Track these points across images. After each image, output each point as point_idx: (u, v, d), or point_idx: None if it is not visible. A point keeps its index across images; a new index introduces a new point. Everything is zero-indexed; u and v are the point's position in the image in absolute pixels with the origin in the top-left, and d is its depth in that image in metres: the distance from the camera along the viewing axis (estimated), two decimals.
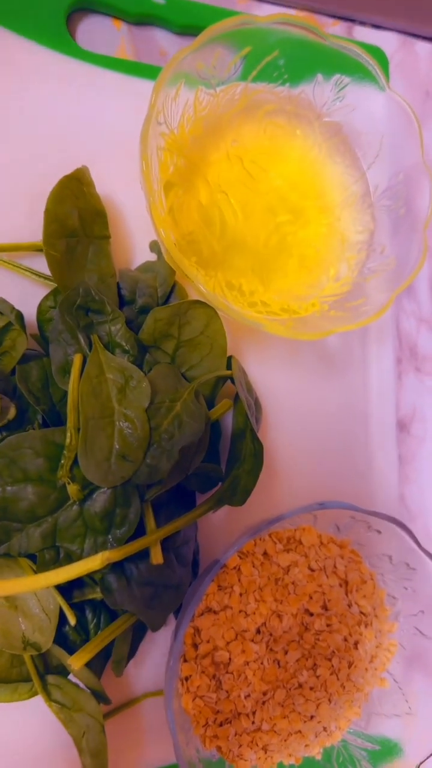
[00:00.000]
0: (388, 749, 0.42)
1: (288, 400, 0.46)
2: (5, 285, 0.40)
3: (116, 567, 0.35)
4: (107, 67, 0.44)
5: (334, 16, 0.52)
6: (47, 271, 0.38)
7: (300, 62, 0.43)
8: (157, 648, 0.42)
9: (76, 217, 0.36)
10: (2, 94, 0.42)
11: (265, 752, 0.40)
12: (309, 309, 0.43)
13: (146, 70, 0.45)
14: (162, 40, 0.47)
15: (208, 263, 0.42)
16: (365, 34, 0.53)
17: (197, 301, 0.38)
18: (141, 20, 0.46)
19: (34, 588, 0.32)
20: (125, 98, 0.44)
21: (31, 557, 0.34)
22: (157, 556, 0.35)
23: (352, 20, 0.53)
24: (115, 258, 0.40)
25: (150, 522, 0.35)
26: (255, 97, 0.44)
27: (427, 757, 0.39)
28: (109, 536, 0.34)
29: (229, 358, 0.40)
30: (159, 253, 0.42)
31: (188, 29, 0.47)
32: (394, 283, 0.42)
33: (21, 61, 0.42)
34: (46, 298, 0.37)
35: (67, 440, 0.32)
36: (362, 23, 0.53)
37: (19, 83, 0.42)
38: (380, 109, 0.44)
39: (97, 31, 0.46)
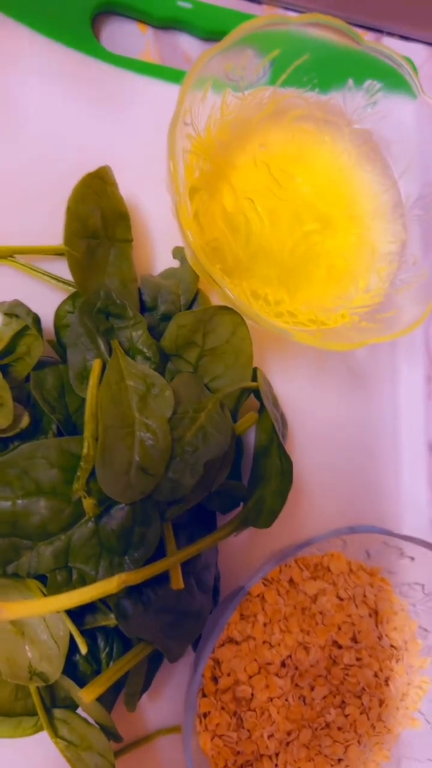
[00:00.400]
0: None
1: (314, 415, 0.43)
2: (22, 289, 0.38)
3: (132, 591, 0.32)
4: (132, 69, 0.43)
5: (362, 27, 0.51)
6: (66, 276, 0.36)
7: (331, 67, 0.42)
8: (172, 680, 0.39)
9: (98, 218, 0.35)
10: (27, 95, 0.41)
11: None
12: (338, 320, 0.41)
13: (171, 74, 0.44)
14: (187, 45, 0.46)
15: (232, 271, 0.40)
16: (394, 45, 0.52)
17: (223, 307, 0.36)
18: (166, 24, 0.45)
19: (44, 612, 0.29)
20: (150, 101, 0.43)
21: (41, 578, 0.32)
22: (177, 581, 0.32)
23: (381, 31, 0.52)
24: (136, 263, 0.38)
25: (170, 543, 0.32)
26: (283, 101, 0.43)
27: None
28: (126, 557, 0.31)
29: (255, 370, 0.38)
30: (182, 260, 0.40)
31: (214, 35, 0.46)
32: (428, 295, 0.40)
33: (46, 62, 0.41)
34: (64, 302, 0.35)
35: (84, 450, 0.30)
36: (390, 34, 0.52)
37: (44, 84, 0.41)
38: (412, 117, 0.43)
39: (122, 34, 0.44)
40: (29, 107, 0.41)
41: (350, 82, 0.42)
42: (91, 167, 0.37)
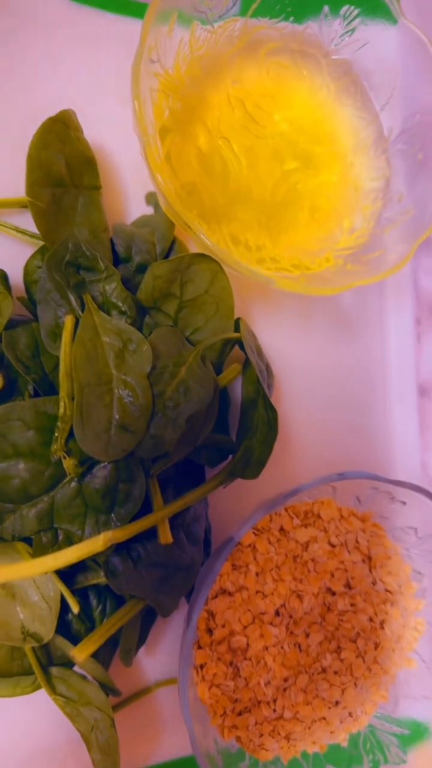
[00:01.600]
0: (418, 733, 0.39)
1: (301, 364, 0.42)
2: None
3: (121, 548, 0.32)
4: (95, 6, 0.40)
5: None
6: (34, 229, 0.34)
7: None
8: (168, 634, 0.39)
9: (62, 164, 0.33)
10: None
11: (288, 741, 0.37)
12: (323, 264, 0.40)
13: (137, 9, 0.41)
14: None
15: (210, 216, 0.38)
16: None
17: (200, 255, 0.34)
18: None
19: (31, 574, 0.29)
20: (115, 40, 0.41)
21: (27, 540, 0.31)
22: (165, 535, 0.32)
23: None
24: (107, 212, 0.36)
25: (157, 498, 0.32)
26: (256, 34, 0.40)
27: None
28: (112, 515, 0.31)
29: (237, 320, 0.37)
30: (156, 206, 0.38)
31: None
32: (414, 233, 0.39)
33: (1, 2, 0.38)
34: (32, 257, 0.34)
35: (61, 410, 0.29)
36: None
37: (0, 25, 0.39)
38: (393, 45, 0.41)
39: None
40: None
41: (326, 9, 0.40)
42: (54, 110, 0.35)
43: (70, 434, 0.30)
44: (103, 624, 0.32)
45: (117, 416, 0.30)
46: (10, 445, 0.29)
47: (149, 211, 0.39)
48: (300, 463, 0.42)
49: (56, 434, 0.29)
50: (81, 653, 0.30)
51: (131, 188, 0.39)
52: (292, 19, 0.40)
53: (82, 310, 0.31)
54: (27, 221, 0.35)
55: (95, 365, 0.30)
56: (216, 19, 0.39)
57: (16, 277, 0.34)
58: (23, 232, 0.35)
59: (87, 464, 0.30)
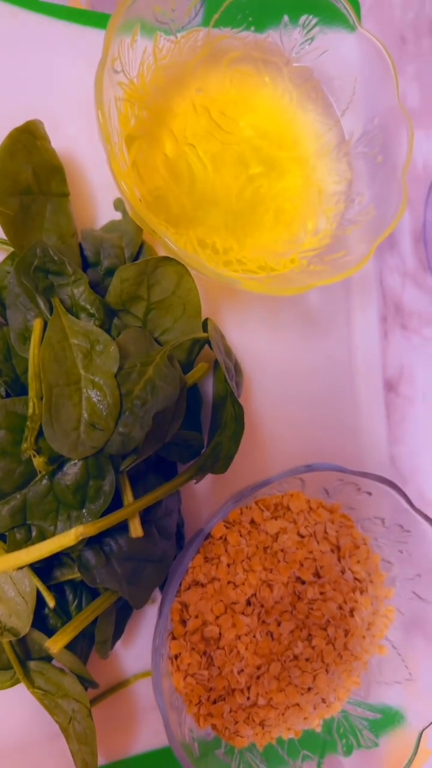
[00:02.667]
0: (390, 717, 0.40)
1: (270, 362, 0.44)
2: None
3: (93, 543, 0.33)
4: (59, 17, 0.41)
5: None
6: (3, 235, 0.35)
7: (265, 3, 0.41)
8: (145, 627, 0.40)
9: (30, 173, 0.34)
10: None
11: (263, 727, 0.38)
12: (288, 265, 0.41)
13: (102, 20, 0.42)
14: None
15: (178, 221, 0.40)
16: None
17: (165, 258, 0.36)
18: None
19: (5, 568, 0.30)
20: (80, 50, 0.42)
21: (1, 537, 0.32)
22: (136, 529, 0.33)
23: None
24: (76, 217, 0.38)
25: (127, 493, 0.33)
26: (219, 43, 0.42)
27: (430, 724, 0.38)
28: (84, 510, 0.32)
29: (205, 321, 0.38)
30: (124, 212, 0.40)
31: None
32: (375, 234, 0.40)
33: None
34: (3, 262, 0.35)
35: (30, 410, 0.30)
36: None
37: None
38: (352, 52, 0.42)
39: None
40: None
41: (285, 18, 0.41)
42: (20, 120, 0.36)
43: (40, 433, 0.31)
44: (78, 616, 0.33)
45: (86, 415, 0.31)
46: None
47: (118, 216, 0.40)
48: (270, 457, 0.43)
49: (26, 433, 0.30)
50: (56, 644, 0.31)
51: (100, 194, 0.41)
52: (253, 28, 0.42)
53: (51, 314, 0.33)
54: None
55: (63, 366, 0.31)
56: (179, 29, 0.40)
57: None
58: None
59: (58, 462, 0.31)
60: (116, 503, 0.33)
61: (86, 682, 0.35)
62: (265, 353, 0.44)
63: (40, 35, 0.41)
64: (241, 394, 0.42)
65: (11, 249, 0.36)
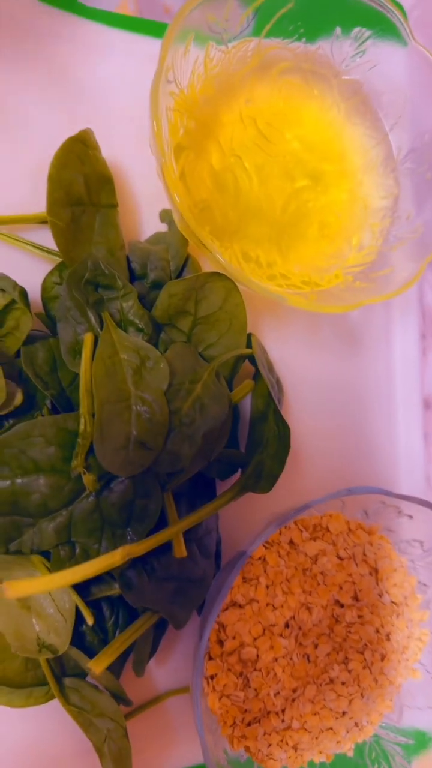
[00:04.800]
0: (422, 742, 0.40)
1: (309, 379, 0.43)
2: (6, 261, 0.37)
3: (136, 562, 0.32)
4: (109, 24, 0.41)
5: None
6: (51, 245, 0.35)
7: (317, 15, 0.40)
8: (178, 644, 0.39)
9: (81, 184, 0.33)
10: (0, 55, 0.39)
11: (296, 751, 0.38)
12: (332, 281, 0.40)
13: (150, 27, 0.42)
14: None
15: (222, 233, 0.39)
16: None
17: (215, 273, 0.35)
18: None
19: (52, 588, 0.29)
20: (128, 57, 0.41)
21: (45, 553, 0.32)
22: (180, 549, 0.32)
23: None
24: (122, 229, 0.37)
25: (172, 513, 0.32)
26: (269, 54, 0.41)
27: None
28: (129, 529, 0.31)
29: (249, 336, 0.38)
30: (170, 223, 0.39)
31: None
32: (423, 252, 0.39)
33: (19, 20, 0.39)
34: (50, 273, 0.35)
35: (81, 427, 0.30)
36: None
37: (18, 43, 0.39)
38: (403, 66, 0.41)
39: None
40: (2, 70, 0.39)
41: (338, 30, 0.41)
42: (71, 128, 0.35)
43: (90, 450, 0.30)
44: (118, 637, 0.32)
45: (135, 432, 0.30)
46: (31, 461, 0.29)
47: (162, 227, 0.40)
48: (307, 476, 0.43)
49: (76, 450, 0.30)
50: (98, 666, 0.31)
51: (145, 205, 0.40)
52: (304, 39, 0.41)
53: (101, 328, 0.32)
54: (43, 237, 0.36)
55: (114, 382, 0.31)
56: (230, 39, 0.39)
57: (33, 292, 0.34)
58: (40, 248, 0.35)
59: (104, 479, 0.31)
60: (159, 522, 0.32)
61: (121, 700, 0.35)
62: (304, 369, 0.43)
63: (88, 41, 0.40)
64: (282, 410, 0.41)
65: (55, 260, 0.36)
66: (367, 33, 0.41)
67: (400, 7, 0.48)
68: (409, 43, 0.40)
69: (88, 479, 0.30)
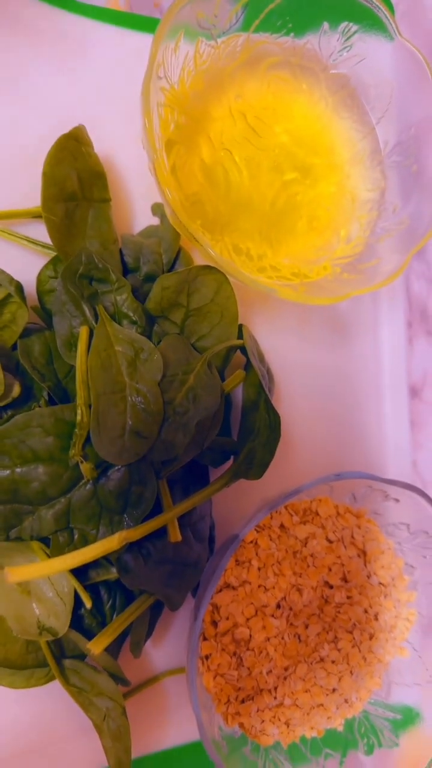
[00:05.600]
0: (410, 717, 0.41)
1: (299, 368, 0.44)
2: (2, 255, 0.37)
3: (132, 546, 0.33)
4: (100, 19, 0.41)
5: None
6: (45, 239, 0.35)
7: (305, 10, 0.41)
8: (174, 625, 0.41)
9: (75, 180, 0.34)
10: None
11: (288, 726, 0.39)
12: (321, 272, 0.41)
13: (141, 22, 0.42)
14: None
15: (213, 226, 0.40)
16: None
17: (206, 267, 0.36)
18: None
19: (52, 572, 0.31)
20: (119, 53, 0.42)
21: (44, 540, 0.33)
22: (175, 534, 0.33)
23: None
24: (115, 223, 0.38)
25: (167, 499, 0.33)
26: (258, 48, 0.42)
27: None
28: (125, 515, 0.32)
29: (240, 327, 0.39)
30: (162, 217, 0.40)
31: None
32: (408, 243, 0.40)
33: (11, 16, 0.39)
34: (45, 267, 0.35)
35: (78, 417, 0.31)
36: None
37: (9, 39, 0.39)
38: (389, 60, 0.42)
39: None
40: None
41: (325, 25, 0.41)
42: (62, 124, 0.36)
43: (87, 439, 0.31)
44: (116, 619, 0.33)
45: (130, 422, 0.31)
46: (31, 451, 0.30)
47: (154, 220, 0.40)
48: (297, 462, 0.44)
49: (74, 440, 0.31)
50: (96, 647, 0.32)
51: (137, 199, 0.41)
52: (292, 34, 0.42)
53: (96, 321, 0.33)
54: (38, 231, 0.37)
55: (109, 374, 0.32)
56: (220, 34, 0.40)
57: (28, 286, 0.35)
58: (35, 242, 0.36)
59: (101, 467, 0.32)
60: (154, 508, 0.34)
61: (119, 680, 0.36)
62: (294, 359, 0.44)
63: (79, 36, 0.41)
64: (272, 399, 0.42)
65: (49, 254, 0.37)
66: (354, 28, 0.41)
67: (387, 2, 0.49)
68: (395, 38, 0.41)
69: (85, 468, 0.31)
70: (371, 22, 0.41)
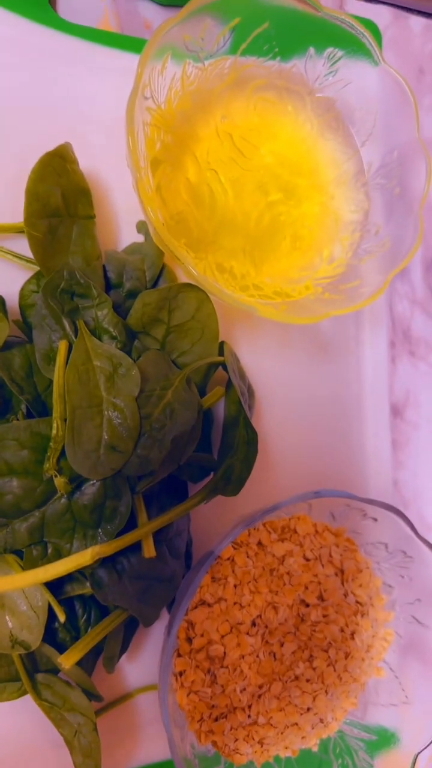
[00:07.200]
0: (385, 739, 0.41)
1: (280, 386, 0.45)
2: None
3: (107, 561, 0.33)
4: (90, 39, 0.42)
5: None
6: (29, 254, 0.36)
7: (291, 35, 0.42)
8: (149, 642, 0.41)
9: (59, 196, 0.35)
10: None
11: (262, 746, 0.39)
12: (303, 292, 0.42)
13: (131, 43, 0.43)
14: (147, 11, 0.45)
15: (198, 245, 0.40)
16: (357, 8, 0.51)
17: (188, 284, 0.36)
18: None
19: (23, 585, 0.31)
20: (109, 72, 0.42)
21: (18, 553, 0.33)
22: (149, 550, 0.33)
23: None
24: (100, 239, 0.38)
25: (142, 514, 0.34)
26: (245, 71, 0.42)
27: (426, 747, 0.39)
28: (99, 530, 0.33)
29: (221, 344, 0.39)
30: (147, 234, 0.40)
31: (174, 0, 0.45)
32: (390, 265, 0.41)
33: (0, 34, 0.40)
34: (28, 282, 0.36)
35: (54, 431, 0.31)
36: None
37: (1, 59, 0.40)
38: (374, 85, 0.43)
39: (80, 2, 0.43)
40: None
41: (311, 50, 0.42)
42: (50, 141, 0.36)
43: (62, 453, 0.31)
44: (89, 633, 0.33)
45: (106, 437, 0.31)
46: (5, 463, 0.31)
47: (139, 237, 0.41)
48: (278, 480, 0.44)
49: (49, 453, 0.31)
50: (68, 660, 0.32)
51: (122, 216, 0.41)
52: (278, 58, 0.43)
53: (76, 335, 0.33)
54: (22, 246, 0.37)
55: (87, 388, 0.32)
56: (207, 57, 0.41)
57: (10, 299, 0.36)
58: (19, 257, 0.37)
59: (76, 482, 0.32)
60: (130, 523, 0.34)
61: (92, 695, 0.36)
62: (275, 377, 0.45)
63: (69, 55, 0.41)
64: (253, 416, 0.43)
65: (34, 268, 0.37)
66: (340, 53, 0.42)
67: (374, 27, 0.50)
68: (379, 64, 0.41)
69: (59, 482, 0.31)
70: (356, 48, 0.41)
